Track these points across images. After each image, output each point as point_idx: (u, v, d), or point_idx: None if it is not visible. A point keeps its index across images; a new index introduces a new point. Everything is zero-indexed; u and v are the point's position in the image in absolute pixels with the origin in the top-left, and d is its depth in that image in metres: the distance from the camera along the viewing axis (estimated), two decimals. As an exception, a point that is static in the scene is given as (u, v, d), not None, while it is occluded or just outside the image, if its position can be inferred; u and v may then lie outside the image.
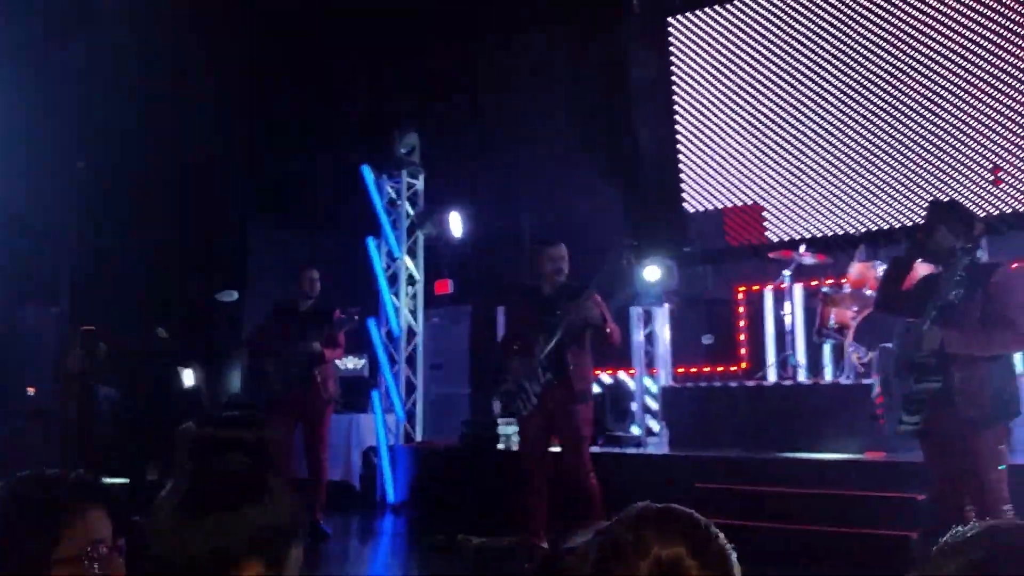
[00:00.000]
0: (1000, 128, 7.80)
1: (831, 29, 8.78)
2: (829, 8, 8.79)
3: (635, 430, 7.77)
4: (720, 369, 8.69)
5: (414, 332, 8.29)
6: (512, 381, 5.17)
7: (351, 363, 8.77)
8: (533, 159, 9.55)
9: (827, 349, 7.60)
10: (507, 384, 5.22)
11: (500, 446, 7.25)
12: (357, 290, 8.29)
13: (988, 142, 7.86)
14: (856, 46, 8.62)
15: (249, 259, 10.66)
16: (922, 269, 6.77)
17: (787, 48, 9.03)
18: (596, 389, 7.20)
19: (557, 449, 5.32)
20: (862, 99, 8.57)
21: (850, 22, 8.65)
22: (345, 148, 9.27)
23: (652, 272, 8.29)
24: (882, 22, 8.50)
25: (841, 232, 8.53)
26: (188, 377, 8.45)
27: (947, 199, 4.50)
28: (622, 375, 8.57)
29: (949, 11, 8.14)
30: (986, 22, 7.99)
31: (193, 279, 9.98)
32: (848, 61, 8.65)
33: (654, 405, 8.00)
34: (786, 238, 8.78)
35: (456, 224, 8.09)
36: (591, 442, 5.51)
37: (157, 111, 9.18)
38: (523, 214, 9.36)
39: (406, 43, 9.77)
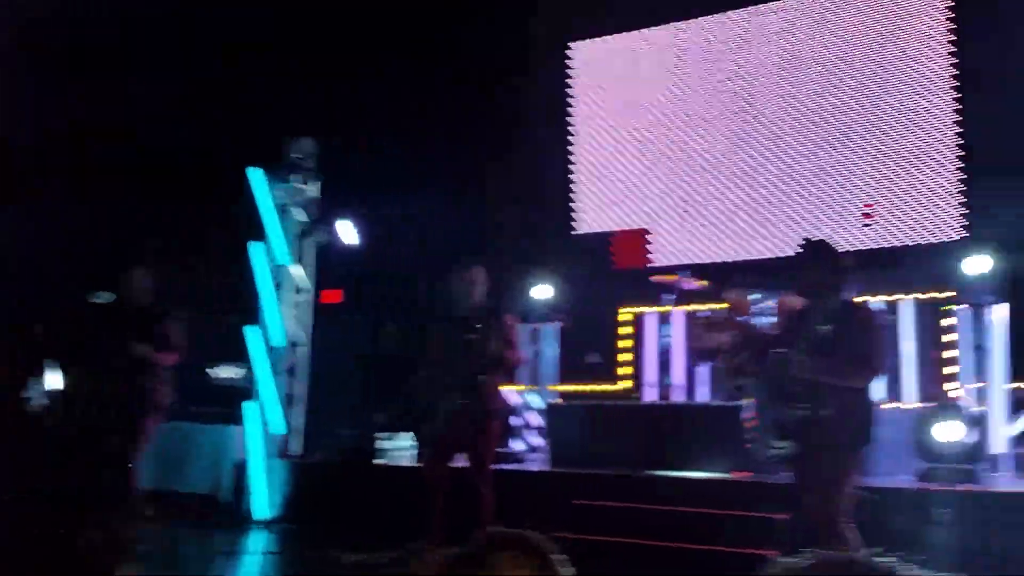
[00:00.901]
0: (872, 172, 8.35)
1: (724, 65, 9.18)
2: (722, 46, 9.19)
3: (519, 446, 7.82)
4: (603, 388, 8.86)
5: (298, 343, 8.10)
6: (424, 398, 5.17)
7: (226, 372, 8.49)
8: (430, 174, 9.54)
9: (704, 372, 7.87)
10: (419, 401, 5.21)
11: (380, 461, 7.15)
12: (241, 296, 8.05)
13: (861, 184, 8.39)
14: (746, 84, 9.05)
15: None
16: (793, 302, 7.14)
17: (681, 80, 9.38)
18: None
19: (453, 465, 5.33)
20: (748, 135, 8.99)
21: (741, 61, 9.08)
22: (239, 148, 9.01)
23: (541, 291, 8.41)
24: (770, 64, 8.95)
25: (720, 260, 8.89)
26: (51, 379, 7.98)
27: (818, 238, 4.74)
28: (507, 391, 8.61)
29: (832, 60, 8.66)
30: (863, 72, 8.54)
31: (73, 277, 9.44)
32: (737, 98, 9.06)
33: (538, 421, 8.07)
34: (670, 263, 9.08)
35: (349, 233, 7.96)
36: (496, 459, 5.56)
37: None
38: (418, 229, 9.33)
39: (311, 48, 9.61)
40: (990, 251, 5.94)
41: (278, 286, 8.00)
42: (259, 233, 8.07)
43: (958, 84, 8.17)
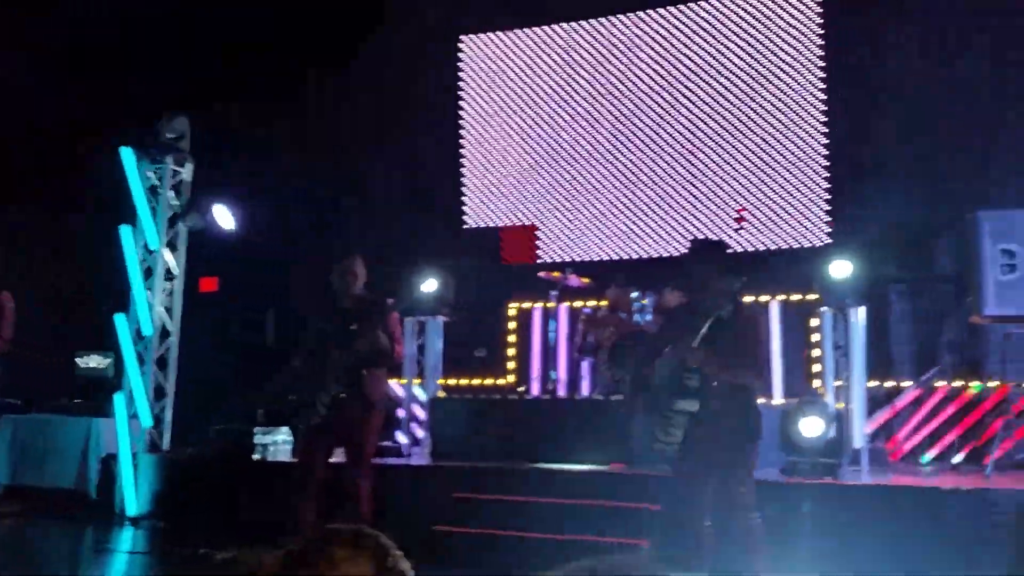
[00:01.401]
0: (745, 177, 8.73)
1: (609, 68, 9.37)
2: (608, 48, 9.38)
3: (401, 438, 7.75)
4: (489, 382, 8.90)
5: (168, 332, 7.74)
6: (304, 391, 5.01)
7: (93, 362, 8.04)
8: (314, 160, 9.31)
9: (585, 366, 8.03)
10: (298, 394, 5.04)
11: (256, 456, 6.93)
12: (108, 282, 7.63)
13: (735, 188, 8.76)
14: (629, 87, 9.28)
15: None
16: (671, 299, 7.36)
17: (568, 79, 9.51)
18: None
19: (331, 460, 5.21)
20: (630, 137, 9.23)
21: (626, 64, 9.29)
22: (109, 127, 8.52)
23: (428, 284, 8.33)
24: (653, 69, 9.21)
25: (604, 259, 9.09)
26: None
27: (712, 238, 4.91)
28: (392, 384, 8.52)
29: (710, 69, 9.00)
30: (739, 82, 8.90)
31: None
32: (621, 100, 9.28)
33: (422, 414, 8.02)
34: (556, 260, 9.21)
35: (224, 218, 7.65)
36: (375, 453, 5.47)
37: None
38: (299, 216, 9.08)
39: (190, 25, 9.19)
40: (852, 256, 6.29)
41: (148, 272, 7.62)
42: (129, 216, 7.67)
43: (826, 98, 8.64)
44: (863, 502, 5.46)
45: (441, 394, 8.06)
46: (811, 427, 5.82)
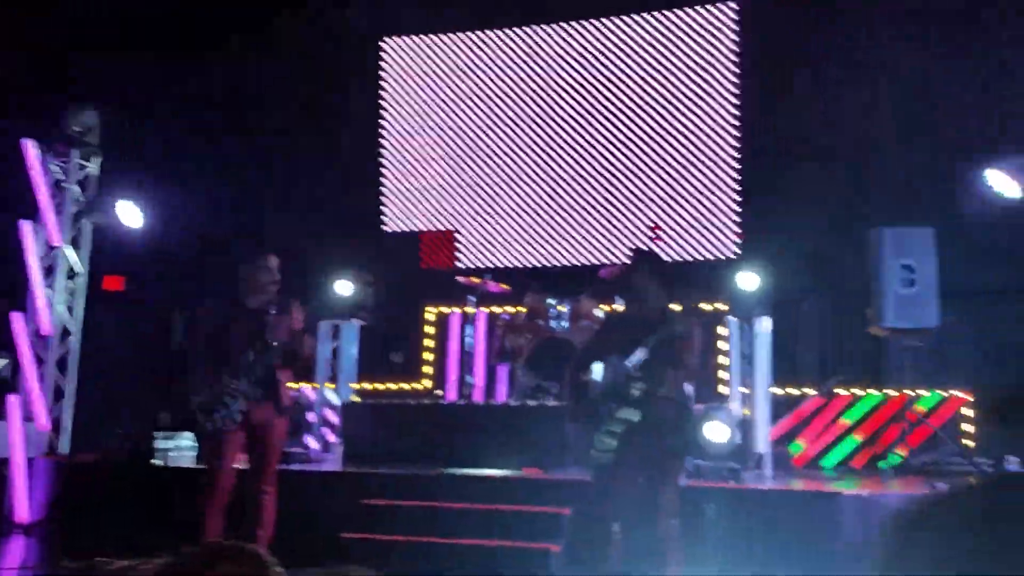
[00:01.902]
0: (660, 190, 8.95)
1: (530, 77, 9.46)
2: (530, 58, 9.48)
3: (312, 443, 7.62)
4: (407, 387, 8.83)
5: (69, 331, 7.44)
6: (211, 395, 4.84)
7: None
8: (228, 158, 9.10)
9: (502, 372, 8.06)
10: (205, 399, 4.86)
11: (157, 462, 6.71)
12: (6, 279, 7.30)
13: (651, 200, 8.97)
14: (550, 97, 9.39)
15: None
16: (588, 306, 7.44)
17: (489, 87, 9.57)
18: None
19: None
20: (552, 147, 9.35)
21: (549, 75, 9.41)
22: (11, 118, 8.15)
23: (344, 287, 8.24)
24: (574, 80, 9.35)
25: (523, 265, 9.16)
26: None
27: (647, 248, 4.98)
28: (304, 387, 8.38)
29: (628, 82, 9.18)
30: (655, 96, 9.12)
31: None
32: (544, 112, 9.40)
33: (335, 419, 7.91)
34: (475, 266, 9.23)
35: (131, 215, 7.41)
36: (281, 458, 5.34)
37: None
38: (211, 214, 8.86)
39: (102, 16, 8.87)
40: (759, 269, 6.50)
41: (49, 269, 7.32)
42: (31, 211, 7.36)
43: (739, 115, 8.93)
44: (766, 505, 5.63)
45: (355, 398, 7.96)
46: (716, 432, 5.97)
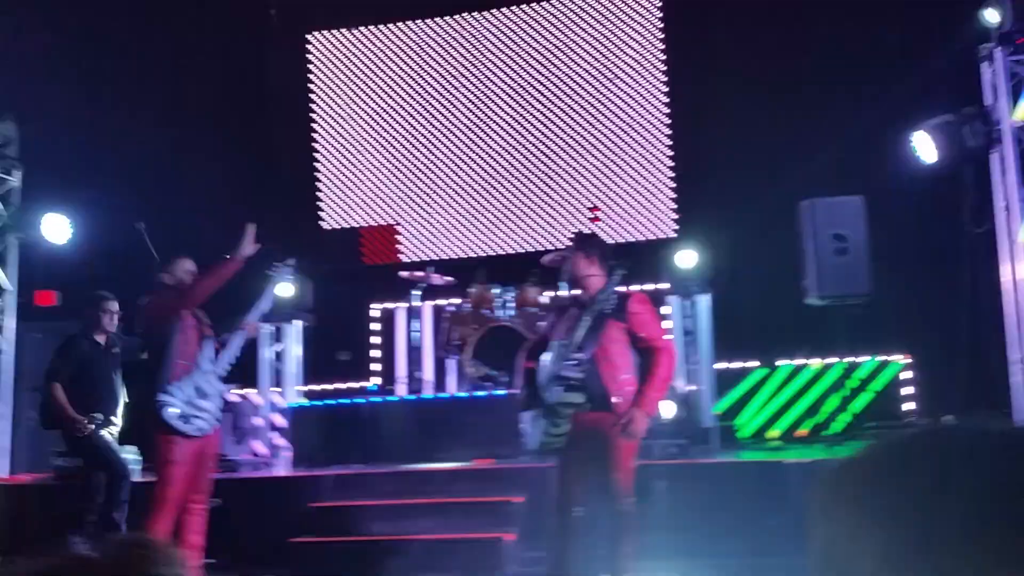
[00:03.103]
0: (599, 174, 8.99)
1: (462, 66, 9.41)
2: (461, 46, 9.42)
3: (260, 448, 7.52)
4: (355, 386, 8.76)
5: (0, 350, 7.22)
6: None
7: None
8: (159, 165, 8.88)
9: (451, 364, 8.03)
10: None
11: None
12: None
13: (589, 184, 9.00)
14: (483, 85, 9.35)
15: None
16: (533, 294, 7.45)
17: (422, 77, 9.49)
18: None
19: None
20: (487, 135, 9.31)
21: (481, 63, 9.37)
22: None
23: (284, 288, 8.12)
24: (506, 68, 9.32)
25: (466, 256, 9.13)
26: None
27: (588, 231, 4.96)
28: (249, 392, 8.26)
29: (562, 67, 9.19)
30: (590, 81, 9.14)
31: None
32: (478, 101, 9.35)
33: (282, 422, 7.81)
34: (418, 259, 9.17)
35: (58, 229, 7.20)
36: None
37: None
38: (144, 223, 8.63)
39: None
40: (697, 246, 6.57)
41: (-25, 288, 7.09)
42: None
43: (668, 101, 9.00)
44: (714, 478, 5.72)
45: (303, 400, 7.88)
46: (663, 410, 6.03)
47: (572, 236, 4.60)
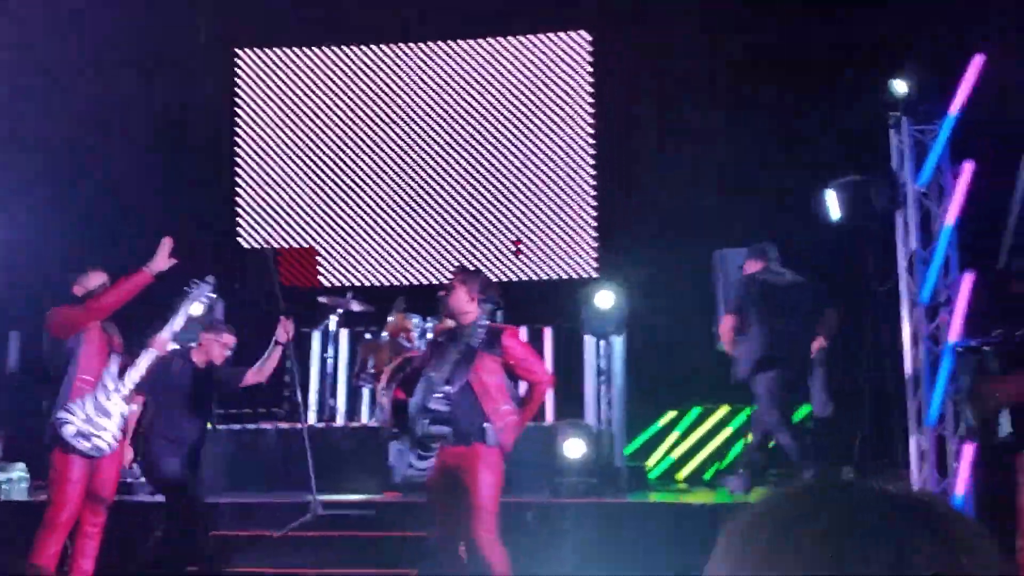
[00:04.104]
0: (523, 209, 9.10)
1: (392, 95, 9.45)
2: (391, 76, 9.47)
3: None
4: (264, 411, 8.52)
5: None
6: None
7: None
8: (76, 173, 8.58)
9: (365, 393, 7.91)
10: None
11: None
12: None
13: (512, 219, 9.10)
14: (411, 116, 9.39)
15: None
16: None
17: (350, 103, 9.47)
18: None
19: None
20: (414, 165, 9.34)
21: (409, 94, 9.42)
22: None
23: (195, 307, 7.87)
24: (433, 101, 9.40)
25: (386, 284, 9.07)
26: None
27: (472, 267, 5.02)
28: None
29: (489, 104, 9.32)
30: (516, 119, 9.29)
31: None
32: (404, 131, 9.39)
33: (185, 447, 7.53)
34: (337, 284, 9.06)
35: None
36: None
37: None
38: (53, 228, 8.31)
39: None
40: (614, 288, 6.68)
41: None
42: None
43: (594, 142, 9.20)
44: (623, 519, 5.77)
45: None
46: (574, 448, 6.07)
47: (455, 269, 4.67)
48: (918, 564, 0.55)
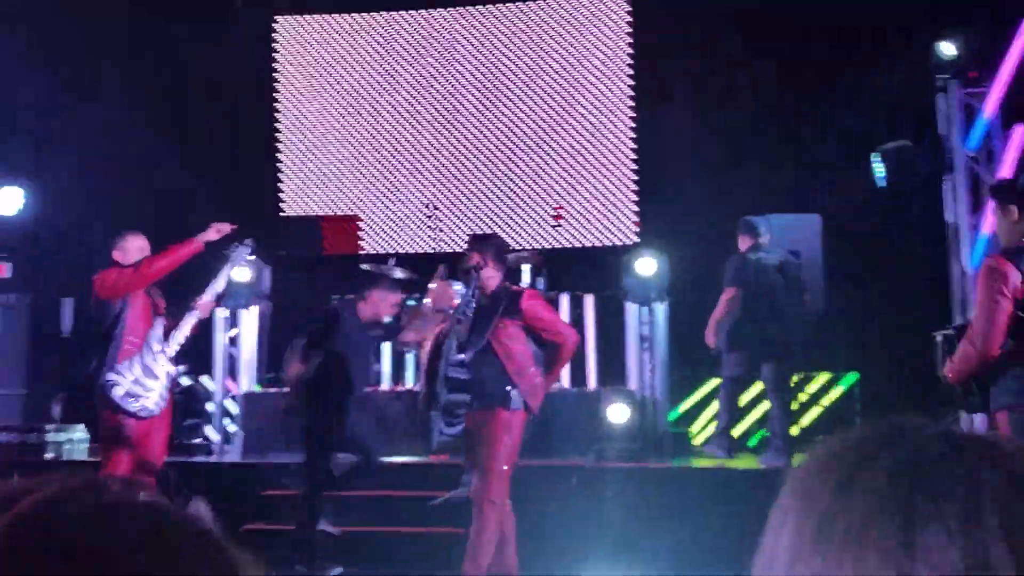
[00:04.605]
0: (561, 177, 9.08)
1: (430, 60, 9.42)
2: (430, 40, 9.44)
3: (212, 435, 7.43)
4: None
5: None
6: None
7: None
8: (114, 142, 8.72)
9: (409, 358, 8.02)
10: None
11: (48, 455, 6.44)
12: None
13: (552, 185, 9.09)
14: (450, 81, 9.37)
15: None
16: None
17: (388, 69, 9.47)
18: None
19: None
20: (453, 131, 9.34)
21: (448, 58, 9.39)
22: None
23: (241, 272, 8.03)
24: (473, 65, 9.36)
25: (428, 251, 9.14)
26: None
27: (489, 232, 5.01)
28: (203, 378, 8.15)
29: (528, 68, 9.26)
30: (554, 83, 9.24)
31: None
32: (444, 96, 9.37)
33: (235, 409, 7.73)
34: (379, 251, 9.15)
35: (8, 200, 7.03)
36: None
37: None
38: (101, 198, 8.48)
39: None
40: (656, 255, 6.67)
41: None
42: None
43: (633, 104, 9.12)
44: (666, 483, 5.83)
45: (257, 388, 7.80)
46: (617, 414, 6.13)
47: (470, 237, 4.68)
48: (987, 499, 0.57)
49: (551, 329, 4.28)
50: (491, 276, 4.23)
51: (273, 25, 9.58)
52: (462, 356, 4.12)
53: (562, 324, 4.45)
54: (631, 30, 9.15)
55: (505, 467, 4.12)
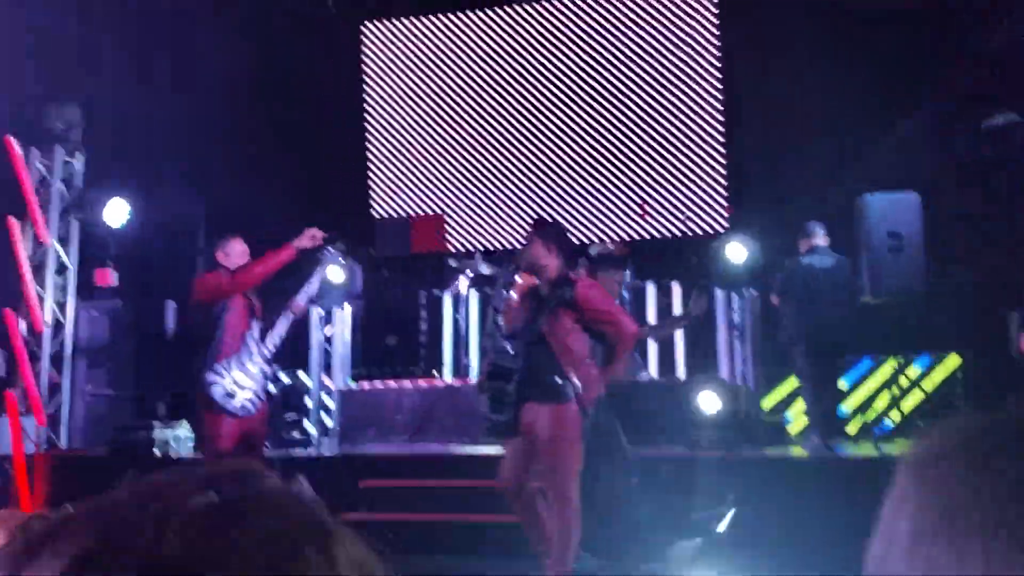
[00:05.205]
0: (649, 167, 8.97)
1: (514, 57, 9.45)
2: (513, 38, 9.45)
3: (311, 429, 7.66)
4: (402, 370, 8.87)
5: (62, 326, 7.45)
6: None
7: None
8: (213, 150, 9.07)
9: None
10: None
11: (156, 452, 6.75)
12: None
13: (638, 178, 8.99)
14: (537, 78, 9.37)
15: None
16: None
17: (474, 68, 9.54)
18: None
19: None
20: (537, 127, 9.34)
21: (533, 55, 9.39)
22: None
23: (335, 273, 8.25)
24: (560, 60, 9.33)
25: (512, 247, 9.19)
26: None
27: (551, 220, 4.87)
28: (301, 375, 8.42)
29: (615, 60, 9.18)
30: (643, 75, 9.11)
31: None
32: (528, 93, 9.38)
33: (331, 404, 7.96)
34: (465, 248, 9.26)
35: (117, 210, 7.41)
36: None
37: None
38: (199, 205, 8.84)
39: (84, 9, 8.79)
40: (745, 241, 6.51)
41: (39, 266, 7.32)
42: (19, 208, 7.35)
43: (722, 86, 8.93)
44: (761, 473, 5.70)
45: (351, 383, 8.01)
46: (709, 402, 6.02)
47: (531, 222, 4.54)
48: None
49: (609, 319, 4.08)
50: (550, 264, 4.13)
51: (361, 29, 9.79)
52: (507, 344, 4.06)
53: (620, 314, 4.25)
54: (719, 16, 8.98)
55: (573, 464, 4.02)
